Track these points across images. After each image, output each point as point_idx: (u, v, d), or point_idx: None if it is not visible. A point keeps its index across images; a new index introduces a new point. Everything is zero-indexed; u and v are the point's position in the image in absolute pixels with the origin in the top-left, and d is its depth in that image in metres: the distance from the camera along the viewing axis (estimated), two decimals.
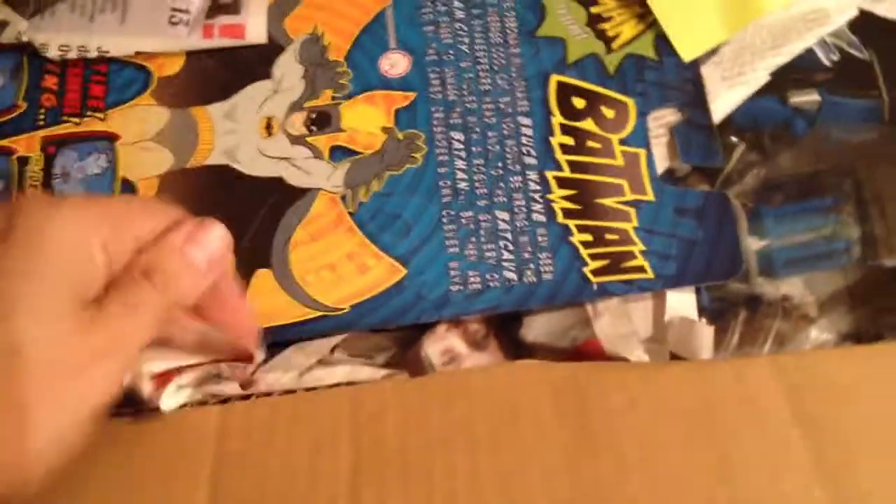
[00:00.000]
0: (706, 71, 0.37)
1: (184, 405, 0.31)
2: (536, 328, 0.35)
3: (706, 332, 0.34)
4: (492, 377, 0.30)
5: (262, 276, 0.34)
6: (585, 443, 0.28)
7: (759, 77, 0.37)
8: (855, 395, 0.29)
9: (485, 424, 0.29)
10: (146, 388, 0.31)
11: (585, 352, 0.33)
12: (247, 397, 0.31)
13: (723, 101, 0.37)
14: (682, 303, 0.35)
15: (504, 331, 0.36)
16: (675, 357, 0.34)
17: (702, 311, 0.36)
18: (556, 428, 0.29)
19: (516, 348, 0.36)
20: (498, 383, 0.30)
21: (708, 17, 0.37)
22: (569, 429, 0.29)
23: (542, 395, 0.30)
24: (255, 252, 0.35)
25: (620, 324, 0.34)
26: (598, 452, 0.28)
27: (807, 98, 0.38)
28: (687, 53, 0.37)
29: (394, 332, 0.35)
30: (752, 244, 0.37)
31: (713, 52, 0.37)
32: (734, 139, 0.38)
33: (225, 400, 0.31)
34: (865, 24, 0.38)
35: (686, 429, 0.29)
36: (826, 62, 0.38)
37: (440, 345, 0.35)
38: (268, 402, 0.30)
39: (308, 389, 0.32)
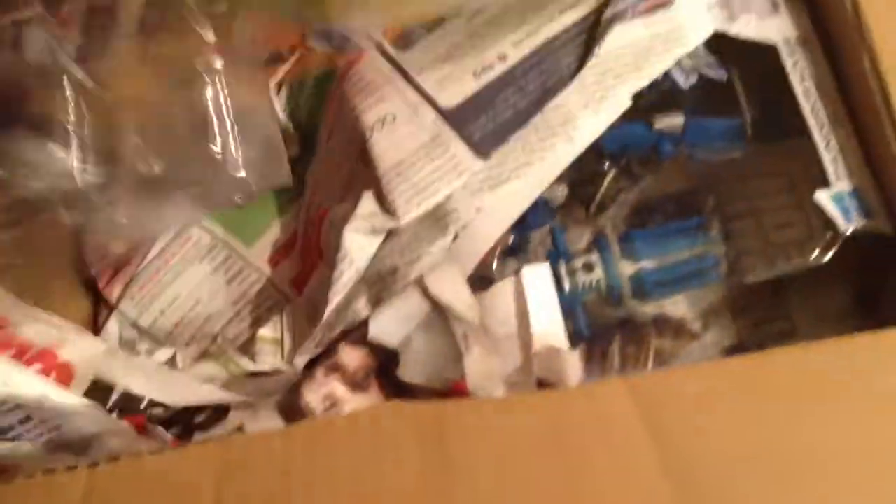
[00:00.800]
0: (568, 98, 0.38)
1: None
2: (412, 369, 0.36)
3: (572, 359, 0.35)
4: (356, 420, 0.31)
5: None
6: (444, 473, 0.29)
7: (620, 101, 0.37)
8: (701, 405, 0.30)
9: (347, 465, 0.30)
10: None
11: (457, 392, 0.34)
12: (115, 458, 0.32)
13: (588, 127, 0.37)
14: (549, 331, 0.36)
15: (384, 372, 0.37)
16: (544, 386, 0.35)
17: (579, 337, 0.36)
18: (417, 461, 0.29)
19: (397, 389, 0.37)
20: (362, 426, 0.31)
21: None
22: (429, 461, 0.29)
23: (404, 432, 0.30)
24: None
25: (488, 361, 0.35)
26: (455, 481, 0.29)
27: (671, 121, 0.39)
28: None
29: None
30: (625, 268, 0.38)
31: (575, 77, 0.37)
32: (605, 166, 0.39)
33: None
34: (721, 44, 0.38)
35: (540, 448, 0.29)
36: (684, 85, 0.38)
37: (320, 391, 0.36)
38: (136, 462, 0.31)
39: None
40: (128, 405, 0.33)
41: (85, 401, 0.33)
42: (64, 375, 0.33)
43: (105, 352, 0.34)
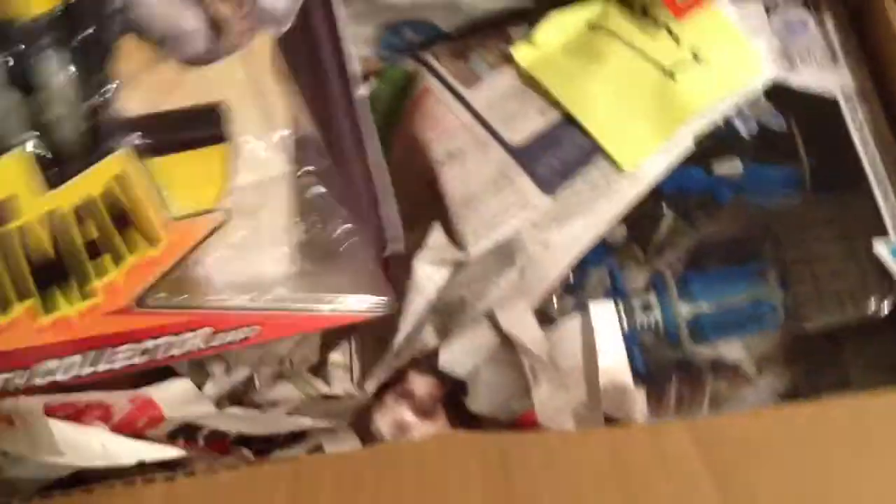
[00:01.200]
0: None
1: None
2: (480, 399, 0.37)
3: (638, 397, 0.35)
4: (423, 449, 0.32)
5: None
6: (508, 501, 0.30)
7: (684, 142, 0.38)
8: (761, 449, 0.31)
9: (413, 491, 0.31)
10: None
11: (523, 424, 0.35)
12: (191, 472, 0.33)
13: (652, 166, 0.38)
14: (616, 368, 0.36)
15: (452, 400, 0.38)
16: (610, 421, 0.36)
17: (636, 376, 0.37)
18: (480, 490, 0.30)
19: (465, 417, 0.38)
20: (429, 453, 0.32)
21: (639, 127, 0.38)
22: (492, 491, 0.30)
23: (470, 462, 0.31)
24: None
25: (557, 395, 0.36)
26: None
27: (730, 167, 0.40)
28: (628, 164, 0.38)
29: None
30: (683, 310, 0.39)
31: None
32: (663, 209, 0.40)
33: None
34: (781, 94, 0.40)
35: (601, 483, 0.30)
36: (744, 133, 0.39)
37: (389, 417, 0.37)
38: (212, 476, 0.32)
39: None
40: (215, 438, 0.35)
41: None
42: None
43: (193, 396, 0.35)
